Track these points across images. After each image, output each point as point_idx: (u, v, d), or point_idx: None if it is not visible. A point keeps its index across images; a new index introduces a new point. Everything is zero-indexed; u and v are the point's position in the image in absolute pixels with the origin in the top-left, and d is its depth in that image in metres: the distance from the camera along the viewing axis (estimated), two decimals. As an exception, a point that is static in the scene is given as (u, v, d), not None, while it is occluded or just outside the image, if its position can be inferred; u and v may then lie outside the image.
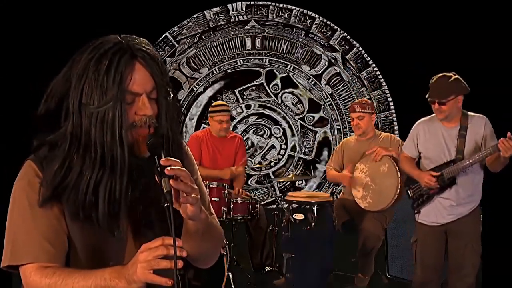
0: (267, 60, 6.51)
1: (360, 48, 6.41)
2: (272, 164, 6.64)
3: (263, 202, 6.32)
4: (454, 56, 5.07)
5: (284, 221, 4.10)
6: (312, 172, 6.62)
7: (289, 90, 6.57)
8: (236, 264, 4.45)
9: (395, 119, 6.43)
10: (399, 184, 3.99)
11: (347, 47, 6.44)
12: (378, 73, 6.40)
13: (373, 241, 4.11)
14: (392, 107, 6.45)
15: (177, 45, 6.43)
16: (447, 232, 3.39)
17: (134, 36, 1.32)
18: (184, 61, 6.47)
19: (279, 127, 6.61)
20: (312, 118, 6.60)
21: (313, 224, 3.93)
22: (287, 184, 6.57)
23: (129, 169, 1.26)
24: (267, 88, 6.57)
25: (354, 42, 6.41)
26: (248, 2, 6.38)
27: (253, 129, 6.61)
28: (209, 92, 6.51)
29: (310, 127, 6.62)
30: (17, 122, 3.95)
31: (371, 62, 6.43)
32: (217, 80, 6.51)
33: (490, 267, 3.78)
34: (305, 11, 6.39)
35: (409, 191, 3.58)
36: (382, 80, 6.41)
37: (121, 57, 1.24)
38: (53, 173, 1.27)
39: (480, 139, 3.29)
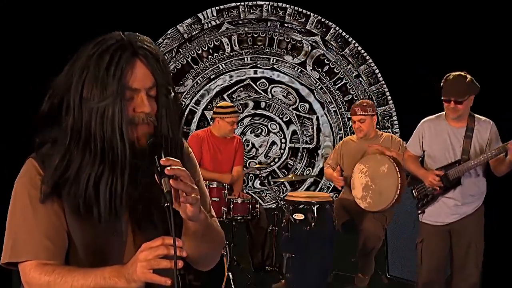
0: (249, 58, 6.53)
1: (337, 28, 6.44)
2: (276, 159, 6.65)
3: (267, 205, 6.33)
4: (447, 51, 5.14)
5: (284, 221, 4.10)
6: (316, 162, 6.63)
7: (275, 83, 6.59)
8: (236, 264, 4.45)
9: (394, 113, 6.45)
10: (399, 185, 3.99)
11: (324, 29, 6.46)
12: (360, 48, 6.44)
13: (374, 241, 4.11)
14: (390, 101, 6.48)
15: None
16: (450, 232, 3.40)
17: (137, 33, 1.33)
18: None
19: (274, 122, 6.63)
20: (305, 106, 6.62)
21: (313, 224, 3.93)
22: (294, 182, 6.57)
23: (130, 166, 1.27)
24: (254, 86, 6.59)
25: (330, 24, 6.44)
26: (218, 7, 6.42)
27: (250, 129, 6.61)
28: (202, 105, 6.50)
29: (305, 115, 6.64)
30: (18, 121, 3.97)
31: (350, 39, 6.45)
32: (203, 90, 6.50)
33: (490, 267, 3.77)
34: (276, 4, 6.43)
35: (413, 191, 3.57)
36: (366, 56, 6.44)
37: (122, 54, 1.25)
38: (54, 167, 1.28)
39: (485, 142, 3.29)
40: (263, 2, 6.40)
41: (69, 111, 1.27)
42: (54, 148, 1.30)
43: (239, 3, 6.40)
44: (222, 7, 6.39)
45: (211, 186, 4.26)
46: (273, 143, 6.65)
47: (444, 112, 3.41)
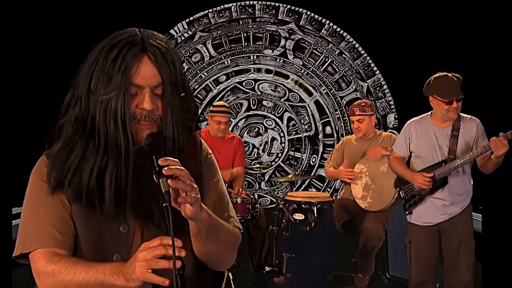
0: (229, 60, 6.54)
1: (309, 12, 6.49)
2: (279, 154, 6.66)
3: (268, 205, 6.33)
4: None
5: (284, 221, 4.10)
6: (319, 146, 6.61)
7: (261, 79, 6.60)
8: (236, 264, 4.45)
9: (383, 83, 6.50)
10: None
11: (296, 15, 6.52)
12: (335, 27, 6.50)
13: (374, 241, 4.11)
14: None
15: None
16: (440, 232, 3.40)
17: (154, 32, 1.33)
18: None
19: (269, 119, 6.63)
20: (297, 97, 6.61)
21: (313, 224, 3.93)
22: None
23: (133, 161, 1.27)
24: (241, 86, 6.58)
25: (301, 10, 6.49)
26: (188, 20, 6.47)
27: (246, 131, 6.62)
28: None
29: (298, 104, 6.63)
30: (31, 121, 3.98)
31: (323, 21, 6.50)
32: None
33: (490, 267, 3.76)
34: (243, 3, 6.47)
35: (400, 192, 3.59)
36: (343, 33, 6.51)
37: (130, 49, 1.25)
38: (56, 151, 1.30)
39: (472, 140, 3.30)
40: (230, 4, 6.46)
41: (77, 101, 1.29)
42: (59, 137, 1.33)
43: (207, 11, 6.46)
44: (191, 18, 6.48)
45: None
46: (273, 139, 6.66)
47: (429, 113, 3.42)
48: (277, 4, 6.50)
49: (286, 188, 6.56)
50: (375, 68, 6.51)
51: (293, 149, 6.69)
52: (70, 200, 1.32)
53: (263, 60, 6.60)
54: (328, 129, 6.68)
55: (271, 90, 6.62)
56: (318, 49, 6.55)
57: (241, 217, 4.34)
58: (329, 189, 6.62)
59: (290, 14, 6.51)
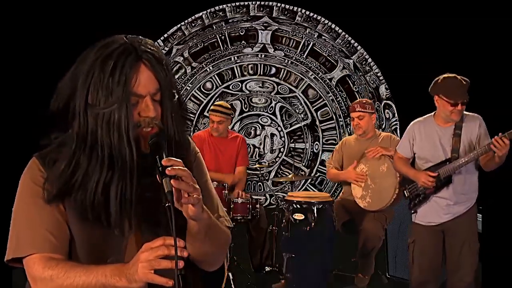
0: (211, 67, 6.56)
1: (279, 4, 6.51)
2: (281, 148, 6.66)
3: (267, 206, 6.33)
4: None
5: (284, 221, 4.09)
6: (319, 132, 6.63)
7: (248, 79, 6.61)
8: (236, 264, 4.45)
9: (368, 57, 6.52)
10: (398, 184, 3.99)
11: (267, 9, 6.54)
12: (308, 13, 6.51)
13: (374, 241, 4.11)
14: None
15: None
16: (444, 232, 3.40)
17: (140, 37, 1.32)
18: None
19: (264, 116, 6.63)
20: (286, 88, 6.62)
21: (313, 224, 3.93)
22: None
23: (137, 170, 1.27)
24: (229, 91, 6.60)
25: (271, 3, 6.52)
26: (162, 37, 6.50)
27: (243, 132, 6.62)
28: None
29: (289, 95, 6.65)
30: (23, 121, 3.98)
31: (295, 9, 6.52)
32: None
33: (490, 267, 3.77)
34: (213, 9, 6.49)
35: (405, 192, 3.58)
36: (317, 17, 6.52)
37: (126, 59, 1.24)
38: (60, 172, 1.28)
39: (475, 138, 3.29)
40: (201, 13, 6.49)
41: (75, 116, 1.28)
42: (59, 151, 1.31)
43: (179, 25, 6.50)
44: (166, 35, 6.51)
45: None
46: (272, 135, 6.67)
47: (433, 113, 3.42)
48: (247, 3, 6.51)
49: (289, 188, 6.55)
50: (355, 44, 6.52)
51: (292, 141, 6.69)
52: (71, 215, 1.31)
53: (245, 59, 6.60)
54: (324, 113, 6.67)
55: (259, 87, 6.63)
56: (297, 35, 6.55)
57: (241, 217, 4.34)
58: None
59: (261, 9, 6.53)
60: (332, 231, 4.03)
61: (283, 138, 6.68)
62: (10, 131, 4.49)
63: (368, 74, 6.51)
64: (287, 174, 6.56)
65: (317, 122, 6.68)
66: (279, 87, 6.63)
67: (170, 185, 1.17)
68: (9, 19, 4.80)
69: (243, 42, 6.56)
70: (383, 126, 6.52)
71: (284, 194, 6.33)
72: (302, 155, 6.67)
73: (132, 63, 1.25)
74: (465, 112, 3.33)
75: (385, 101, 6.54)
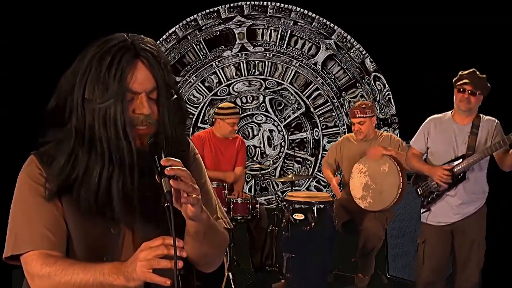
0: (194, 76, 6.58)
1: (249, 3, 6.51)
2: (282, 143, 6.66)
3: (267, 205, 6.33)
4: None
5: (284, 221, 4.09)
6: (316, 118, 6.64)
7: (233, 81, 6.61)
8: (236, 264, 4.45)
9: (347, 35, 6.52)
10: (401, 184, 3.99)
11: (238, 8, 6.55)
12: (278, 5, 6.52)
13: (374, 241, 4.11)
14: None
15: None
16: (453, 232, 3.39)
17: (141, 35, 1.33)
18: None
19: (258, 115, 6.63)
20: (274, 82, 6.62)
21: (313, 224, 3.93)
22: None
23: (133, 166, 1.27)
24: (217, 97, 6.59)
25: (241, 3, 6.53)
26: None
27: (240, 135, 6.63)
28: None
29: (278, 88, 6.65)
30: (22, 119, 3.98)
31: (266, 3, 6.53)
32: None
33: (490, 267, 3.77)
34: (185, 22, 6.48)
35: (418, 189, 3.54)
36: (289, 7, 6.53)
37: (124, 55, 1.25)
38: (60, 167, 1.28)
39: (491, 138, 3.30)
40: (174, 28, 6.51)
41: (73, 111, 1.28)
42: (58, 148, 1.31)
43: (157, 41, 6.57)
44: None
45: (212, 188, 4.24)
46: (271, 131, 6.67)
47: (451, 111, 3.42)
48: (216, 8, 6.51)
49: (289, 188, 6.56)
50: (332, 25, 6.52)
51: (291, 133, 6.68)
52: (69, 211, 1.31)
53: (226, 61, 6.60)
54: (317, 98, 6.65)
55: (246, 86, 6.64)
56: (273, 26, 6.55)
57: (241, 217, 4.35)
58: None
59: (232, 10, 6.53)
60: (332, 231, 4.04)
61: (281, 132, 6.68)
62: (8, 130, 4.49)
63: (351, 51, 6.50)
64: (292, 167, 6.55)
65: (312, 109, 6.66)
66: (266, 82, 6.63)
67: (169, 185, 1.17)
68: (10, 19, 4.81)
69: (221, 46, 6.55)
70: (377, 99, 6.52)
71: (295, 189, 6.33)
72: (305, 145, 6.65)
73: (129, 60, 1.25)
74: (482, 115, 3.35)
75: (373, 74, 6.52)
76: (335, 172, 4.65)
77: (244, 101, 6.63)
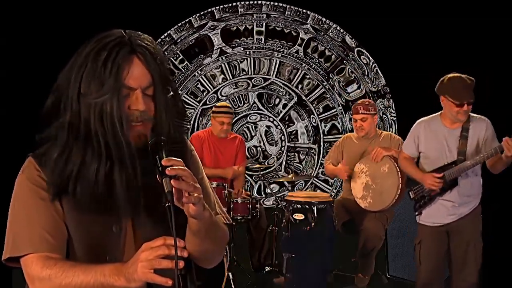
0: (179, 90, 6.55)
1: (218, 7, 6.50)
2: (282, 137, 6.66)
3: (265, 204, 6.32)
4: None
5: (284, 221, 4.09)
6: (310, 105, 6.64)
7: (220, 87, 6.60)
8: (236, 264, 4.45)
9: (324, 19, 6.52)
10: (400, 184, 3.99)
11: (209, 15, 6.53)
12: (247, 2, 6.52)
13: (374, 241, 4.11)
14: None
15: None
16: (448, 232, 3.39)
17: (139, 32, 1.32)
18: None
19: (252, 114, 6.61)
20: (260, 79, 6.62)
21: (313, 224, 3.92)
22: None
23: (131, 163, 1.26)
24: (207, 106, 6.57)
25: (211, 9, 6.50)
26: None
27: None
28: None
29: (265, 84, 6.64)
30: (21, 121, 3.98)
31: (235, 4, 6.52)
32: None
33: (490, 267, 3.77)
34: (159, 39, 6.44)
35: (410, 193, 3.56)
36: (259, 2, 6.53)
37: (120, 50, 1.24)
38: (53, 162, 1.28)
39: (482, 141, 3.28)
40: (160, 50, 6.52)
41: (67, 106, 1.27)
42: (52, 144, 1.31)
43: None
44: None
45: (211, 186, 4.24)
46: (268, 127, 6.66)
47: (439, 113, 3.41)
48: (189, 19, 6.48)
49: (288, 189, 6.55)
50: (304, 11, 6.51)
51: (287, 126, 6.67)
52: (68, 208, 1.30)
53: (208, 68, 6.58)
54: (307, 85, 6.64)
55: (234, 88, 6.63)
56: (246, 23, 6.53)
57: (241, 217, 4.35)
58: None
59: (203, 18, 6.50)
60: (332, 231, 4.03)
61: (279, 127, 6.67)
62: (8, 130, 4.49)
63: (330, 31, 6.49)
64: (297, 160, 6.53)
65: (303, 97, 6.65)
66: (252, 80, 6.61)
67: (170, 185, 1.17)
68: (10, 19, 4.81)
69: (200, 55, 6.52)
70: (366, 73, 6.52)
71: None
72: (306, 134, 6.64)
73: (125, 55, 1.25)
74: (472, 114, 3.32)
75: (356, 49, 6.51)
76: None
77: (235, 103, 6.61)
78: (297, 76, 6.62)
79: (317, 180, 6.68)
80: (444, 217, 3.37)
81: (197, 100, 6.57)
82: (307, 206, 3.98)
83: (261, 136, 6.64)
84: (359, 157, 4.35)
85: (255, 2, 6.48)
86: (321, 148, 6.66)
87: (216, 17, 6.48)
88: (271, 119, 6.66)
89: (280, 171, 6.61)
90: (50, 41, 4.99)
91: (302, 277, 3.98)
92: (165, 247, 1.15)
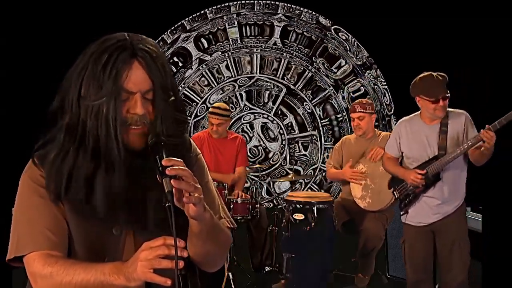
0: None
1: (187, 18, 6.48)
2: (280, 130, 6.66)
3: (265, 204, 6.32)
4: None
5: (284, 221, 4.10)
6: (300, 93, 6.64)
7: (207, 95, 6.58)
8: (236, 264, 4.45)
9: (301, 8, 6.51)
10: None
11: (179, 28, 6.50)
12: (217, 6, 6.52)
13: (374, 241, 4.11)
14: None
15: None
16: (434, 232, 3.41)
17: (142, 36, 1.32)
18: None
19: (246, 114, 6.61)
20: (245, 79, 6.61)
21: (313, 224, 3.93)
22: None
23: (127, 165, 1.26)
24: (199, 117, 6.57)
25: (181, 22, 6.46)
26: None
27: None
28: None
29: (251, 82, 6.63)
30: (25, 121, 3.98)
31: (203, 11, 6.51)
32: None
33: (490, 267, 3.77)
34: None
35: (395, 192, 3.59)
36: (227, 4, 6.52)
37: (120, 54, 1.24)
38: (50, 164, 1.29)
39: (462, 134, 3.30)
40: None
41: (68, 108, 1.28)
42: (52, 145, 1.32)
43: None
44: None
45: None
46: (264, 124, 6.65)
47: (419, 112, 3.43)
48: (165, 40, 6.45)
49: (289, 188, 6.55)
50: (273, 2, 6.51)
51: (283, 120, 6.67)
52: (67, 208, 1.31)
53: (191, 80, 6.56)
54: (293, 73, 6.62)
55: (221, 94, 6.60)
56: (218, 26, 6.50)
57: (241, 217, 4.34)
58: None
59: (175, 32, 6.47)
60: (332, 231, 4.04)
61: (275, 121, 6.67)
62: (8, 130, 4.49)
63: (302, 16, 6.49)
64: (299, 151, 6.52)
65: (292, 86, 6.63)
66: (238, 81, 6.61)
67: (170, 185, 1.17)
68: (10, 19, 4.81)
69: (181, 69, 6.50)
70: (348, 48, 6.53)
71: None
72: (305, 122, 6.63)
73: (125, 59, 1.24)
74: (450, 109, 3.34)
75: (332, 27, 6.50)
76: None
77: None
78: (281, 67, 6.60)
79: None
80: (429, 216, 3.38)
81: (188, 114, 6.56)
82: (307, 206, 3.98)
83: (259, 135, 6.64)
84: (359, 158, 4.35)
85: (223, 4, 6.47)
86: (321, 133, 6.65)
87: (187, 28, 6.45)
88: (265, 115, 6.65)
89: (286, 164, 6.60)
90: (50, 41, 5.00)
91: (302, 277, 3.98)
92: (165, 247, 1.15)
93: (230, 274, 4.06)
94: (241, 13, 6.51)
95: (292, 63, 6.58)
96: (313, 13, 6.51)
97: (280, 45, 6.56)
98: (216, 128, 4.53)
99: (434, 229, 3.39)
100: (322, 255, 3.96)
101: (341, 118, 6.65)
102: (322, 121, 6.66)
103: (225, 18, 6.50)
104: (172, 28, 6.44)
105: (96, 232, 1.32)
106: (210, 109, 4.62)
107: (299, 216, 3.98)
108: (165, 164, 1.19)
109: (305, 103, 6.63)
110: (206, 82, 6.57)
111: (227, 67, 6.57)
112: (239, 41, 6.54)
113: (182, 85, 6.53)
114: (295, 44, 6.56)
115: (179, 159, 1.21)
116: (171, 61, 6.42)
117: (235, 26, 6.51)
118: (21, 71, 4.77)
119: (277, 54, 6.58)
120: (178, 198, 1.19)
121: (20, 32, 4.89)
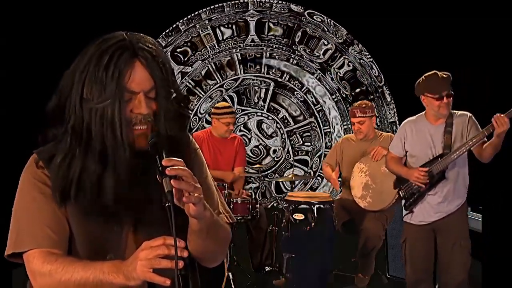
0: None
1: (161, 35, 6.48)
2: (278, 127, 6.65)
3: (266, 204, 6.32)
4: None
5: (284, 221, 4.10)
6: (289, 83, 6.64)
7: (197, 106, 6.58)
8: (236, 264, 4.45)
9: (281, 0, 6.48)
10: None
11: (171, 38, 6.51)
12: (188, 17, 6.51)
13: (374, 241, 4.11)
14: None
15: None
16: (435, 231, 3.40)
17: (141, 34, 1.32)
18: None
19: (238, 118, 6.59)
20: (231, 82, 6.60)
21: (313, 224, 3.93)
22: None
23: (131, 166, 1.27)
24: (193, 130, 6.54)
25: (154, 39, 6.45)
26: None
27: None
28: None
29: (237, 84, 6.63)
30: (24, 119, 3.98)
31: (175, 25, 6.50)
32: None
33: (490, 267, 3.77)
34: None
35: (400, 192, 3.58)
36: (199, 12, 6.52)
37: (122, 54, 1.24)
38: (57, 167, 1.29)
39: (466, 133, 3.31)
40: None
41: (71, 110, 1.28)
42: (56, 147, 1.32)
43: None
44: None
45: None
46: (260, 121, 6.65)
47: (424, 112, 3.44)
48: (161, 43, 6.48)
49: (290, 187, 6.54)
50: (241, 1, 6.49)
51: (278, 113, 6.66)
52: (71, 211, 1.31)
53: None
54: (277, 66, 6.62)
55: (209, 102, 6.56)
56: (192, 33, 6.49)
57: (241, 217, 4.34)
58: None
59: (165, 43, 6.47)
60: (332, 231, 4.04)
61: (270, 117, 6.66)
62: (8, 130, 4.49)
63: (273, 7, 6.49)
64: (300, 142, 6.51)
65: (279, 78, 6.62)
66: (224, 86, 6.60)
67: (170, 185, 1.17)
68: (10, 19, 4.81)
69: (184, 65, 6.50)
70: (326, 30, 6.51)
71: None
72: (301, 112, 6.63)
73: (127, 59, 1.25)
74: (454, 111, 3.35)
75: (306, 12, 6.49)
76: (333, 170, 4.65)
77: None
78: (264, 61, 6.58)
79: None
80: (431, 215, 3.38)
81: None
82: (307, 206, 3.99)
83: (256, 134, 6.64)
84: (359, 157, 4.35)
85: (193, 14, 6.46)
86: (318, 118, 6.65)
87: (164, 45, 6.42)
88: (258, 113, 6.64)
89: (290, 158, 6.59)
90: (49, 41, 4.99)
91: (302, 277, 3.98)
92: (165, 247, 1.16)
93: (230, 274, 4.06)
94: (213, 18, 6.50)
95: (276, 55, 6.57)
96: (284, 2, 6.51)
97: (258, 40, 6.56)
98: (233, 127, 4.57)
99: (435, 228, 3.39)
100: (322, 255, 3.96)
101: (336, 99, 6.64)
102: (316, 108, 6.65)
103: (197, 26, 6.50)
104: (159, 41, 6.43)
105: (98, 230, 1.32)
106: (222, 111, 4.53)
107: (299, 216, 3.98)
108: (165, 164, 1.20)
109: (296, 92, 6.62)
110: (194, 91, 6.56)
111: (210, 74, 6.57)
112: (216, 45, 6.53)
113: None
114: (274, 37, 6.56)
115: (179, 159, 1.22)
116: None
117: (209, 30, 6.50)
118: (21, 71, 4.76)
119: (259, 49, 6.58)
120: (178, 197, 1.19)
121: (20, 32, 4.88)
